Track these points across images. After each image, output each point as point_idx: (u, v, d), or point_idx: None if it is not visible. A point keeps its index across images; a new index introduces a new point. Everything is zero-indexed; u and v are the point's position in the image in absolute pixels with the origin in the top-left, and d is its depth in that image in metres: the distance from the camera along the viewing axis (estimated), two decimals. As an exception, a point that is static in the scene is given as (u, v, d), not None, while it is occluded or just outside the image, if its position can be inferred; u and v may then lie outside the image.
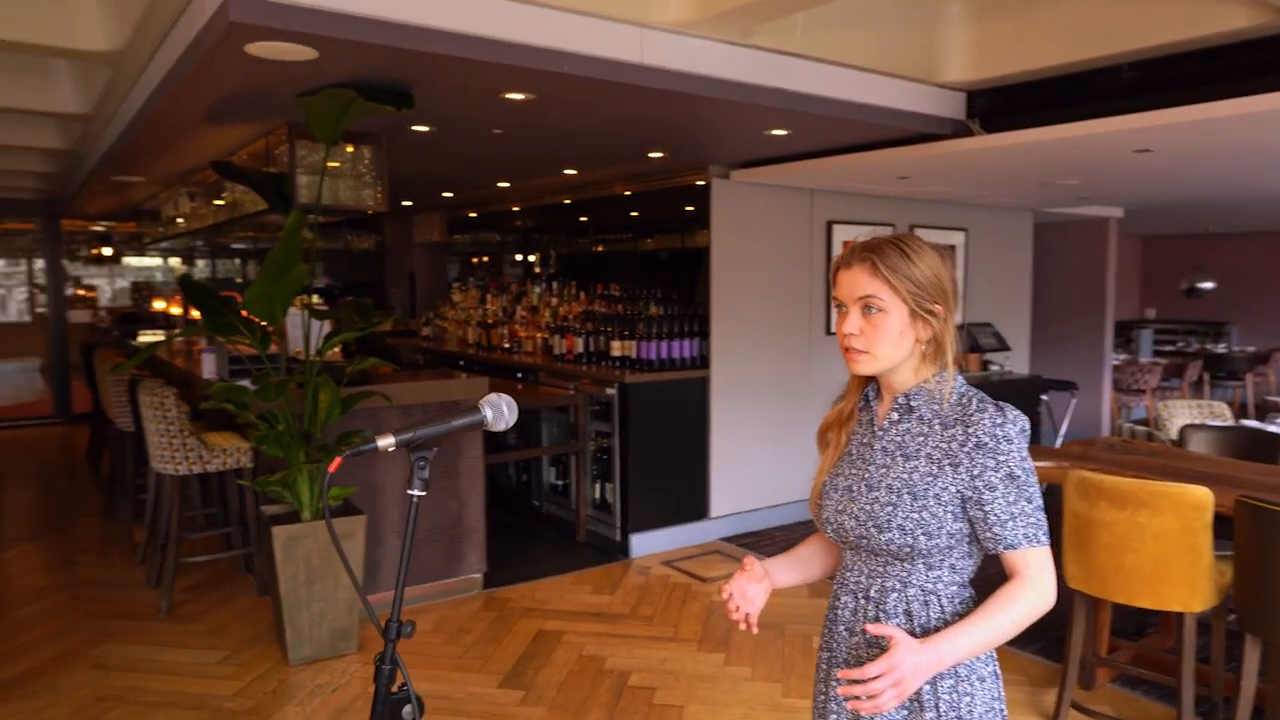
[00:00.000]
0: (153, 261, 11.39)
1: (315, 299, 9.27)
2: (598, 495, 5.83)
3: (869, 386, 1.76)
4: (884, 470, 1.65)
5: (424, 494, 1.22)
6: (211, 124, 4.18)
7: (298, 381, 3.91)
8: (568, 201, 7.25)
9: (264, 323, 3.90)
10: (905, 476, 1.62)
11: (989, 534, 1.56)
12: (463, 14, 2.98)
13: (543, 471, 6.33)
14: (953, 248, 6.85)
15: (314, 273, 9.78)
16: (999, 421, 1.55)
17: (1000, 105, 4.33)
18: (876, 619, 1.66)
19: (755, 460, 5.92)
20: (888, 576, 1.65)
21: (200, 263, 11.28)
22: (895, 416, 1.68)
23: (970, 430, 1.57)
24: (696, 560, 5.42)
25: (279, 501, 4.16)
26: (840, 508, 1.71)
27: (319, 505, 4.01)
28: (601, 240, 7.20)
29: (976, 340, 6.74)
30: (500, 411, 1.26)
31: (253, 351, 4.29)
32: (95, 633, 4.33)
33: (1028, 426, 1.58)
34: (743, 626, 1.75)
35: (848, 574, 1.73)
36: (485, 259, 9.04)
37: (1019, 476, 1.53)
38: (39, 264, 10.38)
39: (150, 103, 3.77)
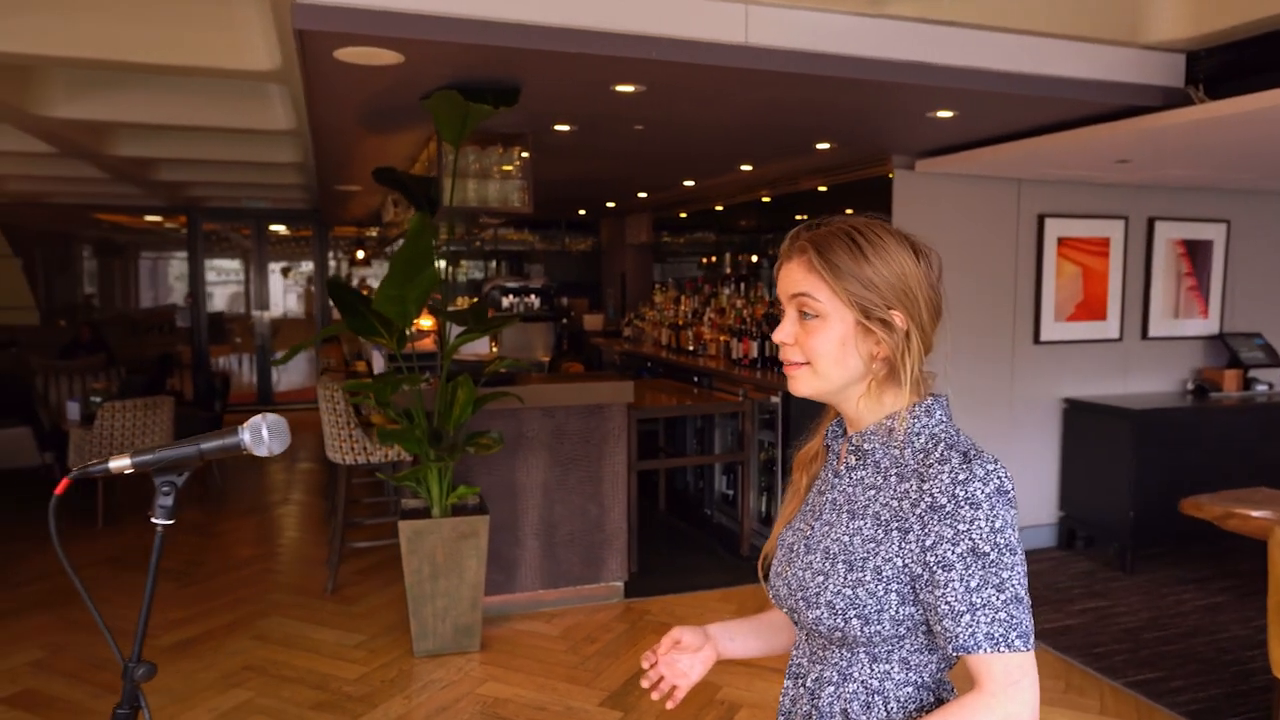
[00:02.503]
0: None
1: (516, 299, 9.60)
2: (764, 508, 5.51)
3: (836, 419, 1.40)
4: (826, 529, 1.30)
5: (169, 523, 1.09)
6: (374, 132, 4.38)
7: (412, 381, 3.97)
8: (765, 199, 6.95)
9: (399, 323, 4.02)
10: (845, 540, 1.26)
11: (940, 627, 1.17)
12: (555, 7, 2.85)
13: (715, 479, 6.10)
14: (1209, 243, 5.74)
15: (529, 273, 10.19)
16: (961, 478, 1.16)
17: (1230, 65, 3.50)
18: (809, 716, 1.32)
19: (941, 483, 5.30)
20: (826, 664, 1.30)
21: (440, 263, 12.13)
22: (852, 461, 1.32)
23: (925, 487, 1.18)
24: (862, 589, 4.94)
25: (419, 496, 4.29)
26: (779, 570, 1.37)
27: (447, 502, 4.08)
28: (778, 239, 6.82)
29: (1237, 354, 5.60)
30: (260, 435, 1.10)
31: (427, 348, 4.47)
32: (269, 605, 4.72)
33: (1008, 485, 1.17)
34: (655, 696, 1.45)
35: (795, 651, 1.39)
36: (698, 259, 8.94)
37: (986, 554, 1.13)
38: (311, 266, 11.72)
39: (310, 115, 4.02)
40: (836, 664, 1.27)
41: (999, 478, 1.17)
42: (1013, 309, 5.39)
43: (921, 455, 1.23)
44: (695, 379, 6.20)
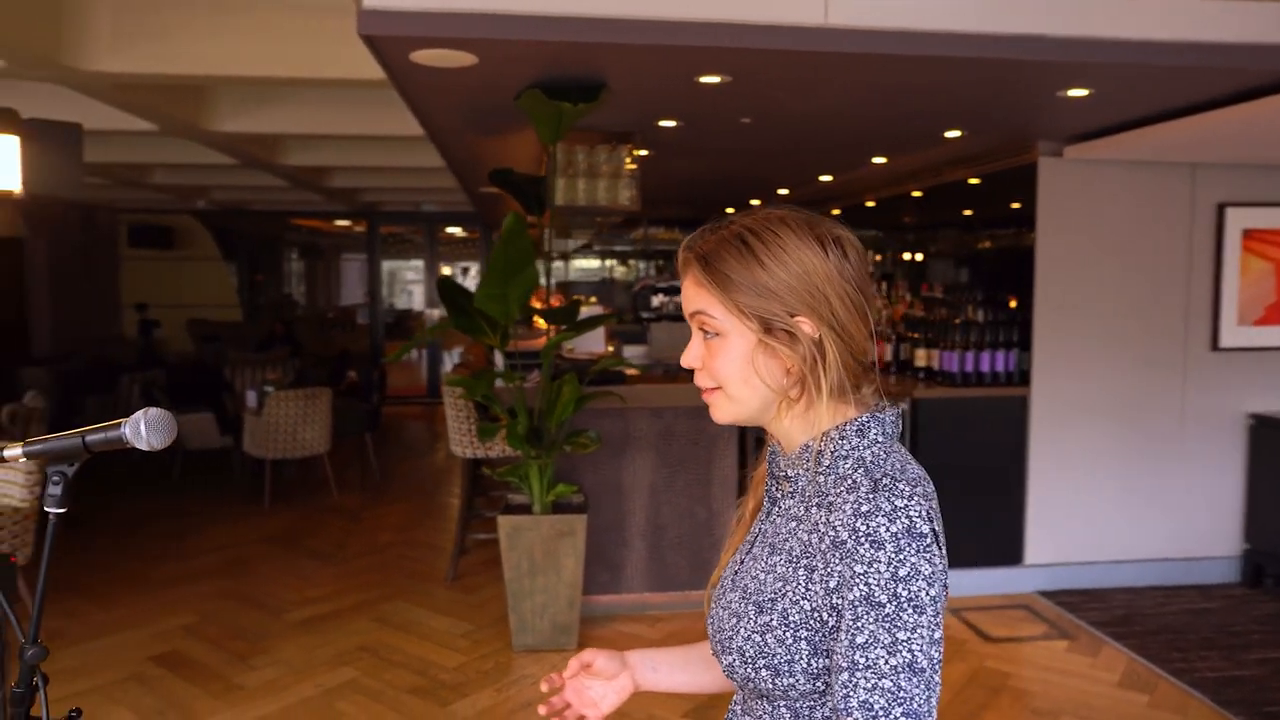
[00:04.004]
0: (591, 264, 12.53)
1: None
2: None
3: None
4: (750, 564, 1.16)
5: (62, 510, 1.12)
6: (485, 134, 4.49)
7: (507, 377, 4.02)
8: (916, 193, 6.57)
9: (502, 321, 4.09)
10: (760, 578, 1.12)
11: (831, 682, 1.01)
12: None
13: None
14: None
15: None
16: (864, 509, 0.99)
17: None
18: None
19: (1093, 501, 4.79)
20: (750, 714, 1.16)
21: (633, 262, 12.23)
22: (786, 488, 1.17)
23: (830, 519, 1.03)
24: (993, 614, 4.56)
25: (523, 492, 4.35)
26: (710, 607, 1.24)
27: (547, 500, 4.11)
28: (932, 235, 6.41)
29: None
30: (139, 430, 1.11)
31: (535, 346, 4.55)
32: (394, 589, 4.95)
33: (922, 526, 0.98)
34: None
35: (735, 697, 1.25)
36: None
37: (881, 605, 0.96)
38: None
39: (420, 119, 4.17)
40: (760, 715, 1.13)
41: (910, 516, 0.98)
42: (1184, 312, 4.79)
43: (840, 481, 1.07)
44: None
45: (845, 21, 2.83)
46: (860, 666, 0.95)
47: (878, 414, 1.11)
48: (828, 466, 1.09)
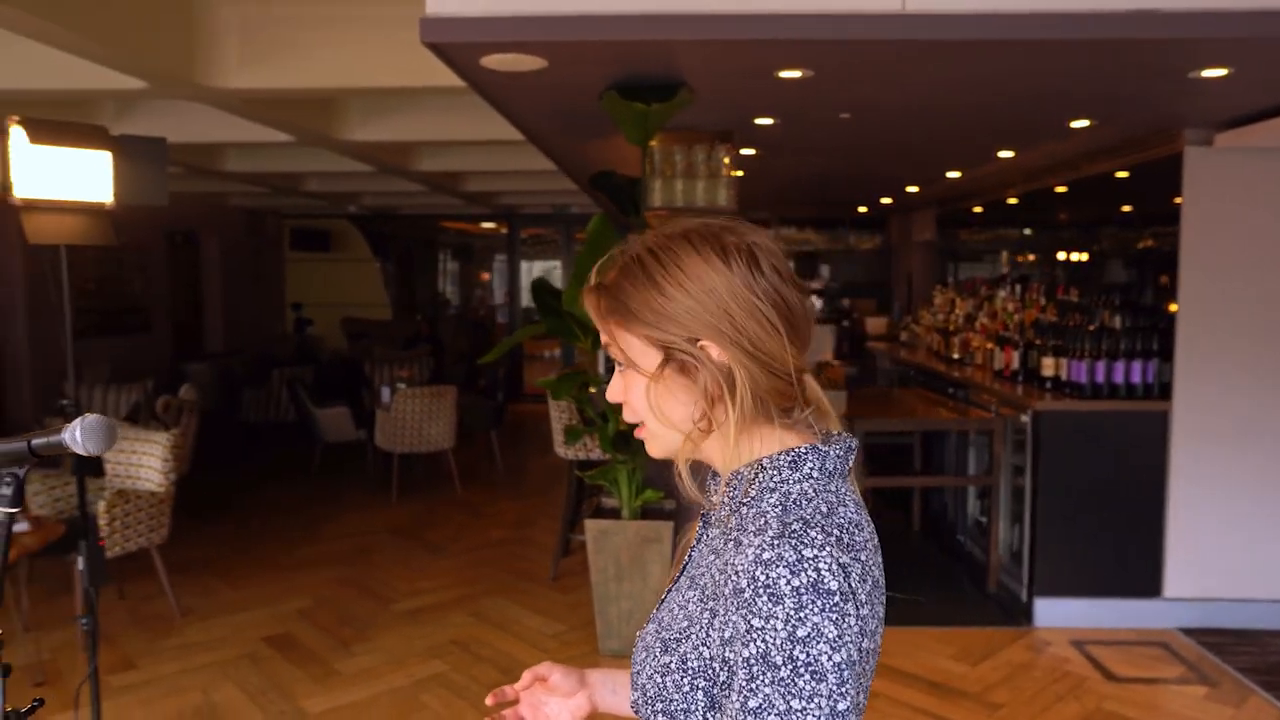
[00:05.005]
0: None
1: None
2: (1015, 541, 4.84)
3: None
4: (672, 595, 1.09)
5: (14, 510, 1.17)
6: (579, 137, 4.49)
7: (595, 380, 3.99)
8: (1059, 189, 6.10)
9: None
10: (674, 613, 1.04)
11: None
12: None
13: (969, 503, 5.47)
14: None
15: (820, 273, 9.89)
16: (765, 557, 0.88)
17: None
18: None
19: (1245, 531, 4.28)
20: None
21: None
22: (714, 516, 1.08)
23: (734, 561, 0.93)
24: (1123, 650, 4.15)
25: (614, 496, 4.33)
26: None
27: (635, 504, 4.08)
28: (1083, 234, 5.92)
29: None
30: (74, 436, 1.15)
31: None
32: (496, 585, 5.05)
33: (830, 582, 0.87)
34: None
35: None
36: (997, 256, 8.11)
37: (777, 668, 0.85)
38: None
39: (514, 124, 4.22)
40: None
41: (818, 569, 0.87)
42: (1365, 318, 4.19)
43: (758, 519, 0.97)
44: (950, 390, 5.61)
45: (924, 7, 2.63)
46: None
47: (821, 446, 1.00)
48: (753, 498, 0.99)
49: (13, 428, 6.96)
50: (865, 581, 0.94)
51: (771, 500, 0.97)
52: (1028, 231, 7.86)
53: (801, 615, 0.86)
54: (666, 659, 0.99)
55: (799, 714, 0.85)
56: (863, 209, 8.80)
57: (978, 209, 7.81)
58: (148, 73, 4.08)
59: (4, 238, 7.09)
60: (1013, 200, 7.09)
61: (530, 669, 1.26)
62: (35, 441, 1.18)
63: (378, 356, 8.76)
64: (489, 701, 1.26)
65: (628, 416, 1.06)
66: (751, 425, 1.01)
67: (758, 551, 0.90)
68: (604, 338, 1.04)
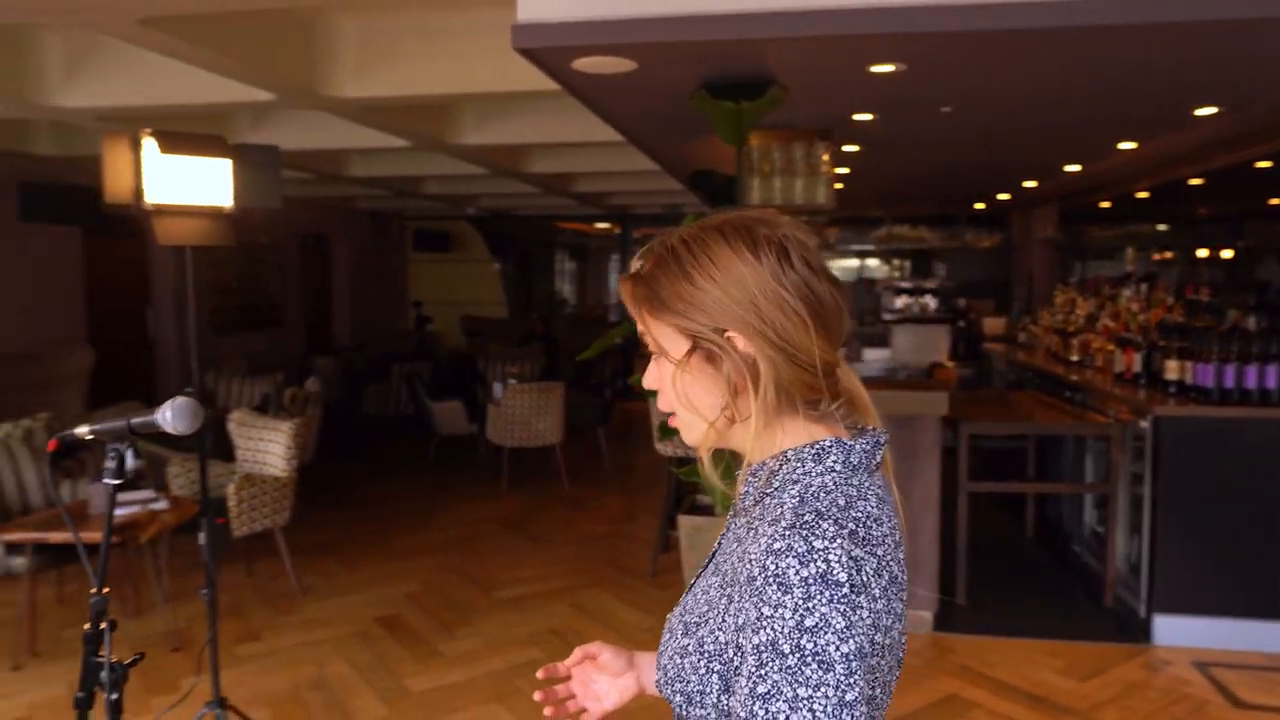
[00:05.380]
0: (849, 263, 12.15)
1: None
2: (1134, 554, 4.59)
3: None
4: (700, 580, 1.13)
5: (118, 482, 1.30)
6: (675, 137, 4.53)
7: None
8: (1195, 180, 5.75)
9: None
10: (697, 597, 1.08)
11: None
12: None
13: (1085, 511, 5.22)
14: None
15: (935, 272, 9.60)
16: (776, 546, 0.90)
17: None
18: None
19: (1398, 552, 3.92)
20: None
21: (873, 261, 11.84)
22: (740, 505, 1.11)
23: (751, 549, 0.95)
24: (1254, 674, 3.87)
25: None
26: None
27: (728, 500, 4.08)
28: (1219, 229, 5.54)
29: None
30: (165, 416, 1.27)
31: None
32: (596, 578, 5.15)
33: (839, 574, 0.88)
34: (548, 713, 1.24)
35: None
36: (1126, 253, 7.68)
37: (784, 655, 0.86)
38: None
39: (612, 124, 4.30)
40: None
41: (828, 560, 0.88)
42: None
43: (776, 509, 0.98)
44: (1066, 394, 5.36)
45: (1022, -7, 2.54)
46: (759, 719, 0.87)
47: (846, 440, 1.02)
48: (775, 489, 1.01)
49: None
50: (881, 576, 0.94)
51: (792, 492, 0.99)
52: (1162, 227, 7.44)
53: (810, 605, 0.87)
54: (685, 641, 1.02)
55: (805, 702, 0.86)
56: (980, 205, 8.49)
57: (1104, 204, 7.43)
58: (274, 85, 4.37)
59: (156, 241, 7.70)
60: (1142, 194, 6.72)
61: (580, 646, 1.28)
62: (134, 421, 1.31)
63: (492, 353, 9.04)
64: (540, 675, 1.30)
65: (661, 404, 1.09)
66: (777, 417, 1.02)
67: (769, 541, 0.92)
68: (639, 326, 1.08)
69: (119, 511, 4.04)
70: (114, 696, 1.35)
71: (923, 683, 3.82)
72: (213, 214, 2.72)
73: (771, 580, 0.89)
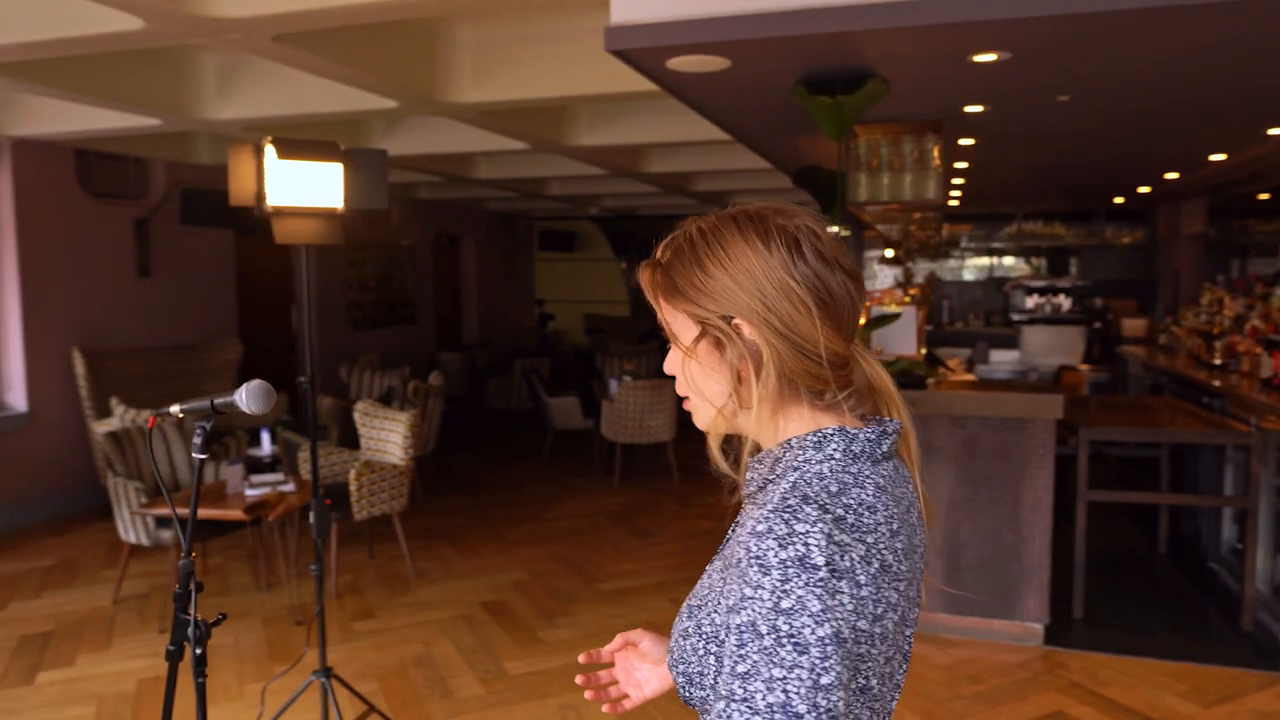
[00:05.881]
0: (981, 261, 11.68)
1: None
2: (1276, 574, 4.25)
3: None
4: (707, 569, 1.15)
5: (204, 456, 1.44)
6: (781, 134, 4.50)
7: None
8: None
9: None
10: (704, 581, 1.11)
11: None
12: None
13: (1224, 526, 4.86)
14: None
15: (1071, 271, 9.13)
16: (759, 529, 0.92)
17: None
18: None
19: None
20: None
21: (1008, 260, 11.34)
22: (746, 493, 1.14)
23: (738, 533, 1.00)
24: None
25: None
26: None
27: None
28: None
29: None
30: (241, 397, 1.39)
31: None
32: (696, 574, 5.03)
33: (817, 557, 0.89)
34: (589, 696, 1.28)
35: None
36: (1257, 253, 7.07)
37: (762, 636, 0.88)
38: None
39: (717, 123, 4.31)
40: None
41: (807, 544, 0.89)
42: None
43: (771, 495, 1.00)
44: (1205, 400, 4.99)
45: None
46: (737, 698, 0.89)
47: (850, 429, 1.02)
48: (778, 476, 1.03)
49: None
50: (870, 563, 0.94)
51: (791, 479, 1.00)
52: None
53: (786, 588, 0.88)
54: (688, 623, 1.05)
55: (779, 682, 0.87)
56: (1119, 200, 7.99)
57: (1263, 195, 6.86)
58: (397, 93, 4.62)
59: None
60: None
61: (622, 633, 1.32)
62: (217, 400, 1.44)
63: (611, 350, 9.20)
64: (581, 660, 1.33)
65: (679, 390, 1.12)
66: (782, 405, 1.04)
67: (754, 524, 0.93)
68: (657, 313, 1.11)
69: (251, 493, 4.38)
70: (199, 651, 1.50)
71: (1027, 697, 3.66)
72: (326, 215, 2.92)
73: (753, 562, 0.91)
